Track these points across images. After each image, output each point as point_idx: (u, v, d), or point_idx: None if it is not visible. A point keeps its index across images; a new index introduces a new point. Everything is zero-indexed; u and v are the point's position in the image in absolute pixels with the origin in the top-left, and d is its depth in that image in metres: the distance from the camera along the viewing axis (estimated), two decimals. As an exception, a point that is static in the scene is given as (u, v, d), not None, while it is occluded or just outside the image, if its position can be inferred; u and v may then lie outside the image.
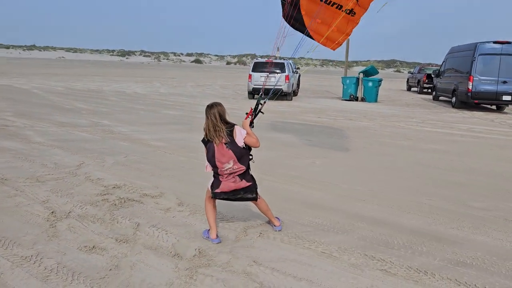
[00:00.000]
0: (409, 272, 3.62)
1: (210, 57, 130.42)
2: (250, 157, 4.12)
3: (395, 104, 20.05)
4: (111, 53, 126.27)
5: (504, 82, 16.64)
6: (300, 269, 3.60)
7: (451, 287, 3.40)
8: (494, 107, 18.52)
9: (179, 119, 12.72)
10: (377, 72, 21.07)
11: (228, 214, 4.83)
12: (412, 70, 34.13)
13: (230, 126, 3.97)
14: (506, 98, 16.84)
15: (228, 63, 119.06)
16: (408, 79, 32.37)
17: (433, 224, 4.73)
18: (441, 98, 22.11)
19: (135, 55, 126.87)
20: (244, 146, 4.02)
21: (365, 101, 20.04)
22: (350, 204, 5.32)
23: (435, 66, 29.13)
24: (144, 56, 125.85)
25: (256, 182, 4.22)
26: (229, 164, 3.96)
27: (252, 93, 19.36)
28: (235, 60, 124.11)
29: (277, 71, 18.90)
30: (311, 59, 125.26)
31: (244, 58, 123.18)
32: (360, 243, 4.17)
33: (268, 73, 18.73)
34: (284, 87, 18.83)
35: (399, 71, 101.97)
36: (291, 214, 4.91)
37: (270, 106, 16.55)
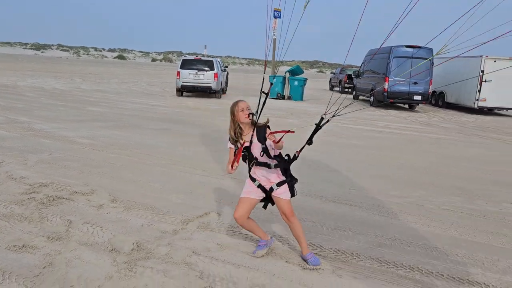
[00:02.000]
0: (337, 254, 3.94)
1: (134, 53, 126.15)
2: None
3: (320, 102, 20.99)
4: (24, 46, 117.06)
5: (415, 83, 18.19)
6: (238, 257, 3.76)
7: (373, 266, 3.76)
8: (406, 106, 20.15)
9: (106, 116, 12.27)
10: (303, 72, 21.92)
11: (164, 209, 4.85)
12: (334, 70, 35.84)
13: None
14: (417, 97, 18.42)
15: (153, 59, 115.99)
16: (330, 79, 33.99)
17: (357, 211, 5.14)
18: (360, 97, 23.54)
19: (52, 49, 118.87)
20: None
21: (292, 100, 20.75)
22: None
23: (355, 68, 30.88)
24: (61, 50, 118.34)
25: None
26: None
27: (181, 90, 19.20)
28: (161, 57, 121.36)
29: (206, 68, 18.92)
30: (237, 57, 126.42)
31: (170, 55, 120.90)
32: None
33: (197, 71, 18.70)
34: (213, 85, 18.91)
35: (322, 72, 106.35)
36: (227, 206, 5.04)
37: (199, 103, 16.59)
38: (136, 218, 4.54)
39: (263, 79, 4.05)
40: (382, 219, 4.96)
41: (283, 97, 20.93)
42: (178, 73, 18.91)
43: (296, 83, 20.88)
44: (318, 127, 3.50)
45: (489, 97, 18.61)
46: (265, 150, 3.54)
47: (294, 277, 3.45)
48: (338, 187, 6.10)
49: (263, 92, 3.75)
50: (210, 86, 18.87)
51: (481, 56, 18.34)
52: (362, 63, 23.01)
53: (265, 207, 3.85)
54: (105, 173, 6.20)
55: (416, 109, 20.01)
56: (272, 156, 3.59)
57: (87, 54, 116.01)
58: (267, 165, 3.57)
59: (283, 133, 3.44)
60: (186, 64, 19.09)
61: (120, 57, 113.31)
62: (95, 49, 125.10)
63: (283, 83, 21.06)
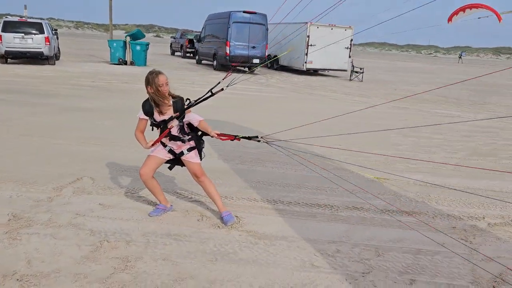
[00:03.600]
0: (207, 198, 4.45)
1: None
2: None
3: (164, 67, 20.84)
4: None
5: (253, 47, 19.55)
6: (125, 212, 3.96)
7: (244, 203, 4.39)
8: (246, 69, 21.57)
9: None
10: (144, 36, 21.33)
11: (30, 180, 4.64)
12: (174, 35, 35.53)
13: None
14: (255, 61, 19.87)
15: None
16: (171, 44, 33.71)
17: (223, 164, 5.72)
18: (203, 61, 24.15)
19: None
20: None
21: (135, 65, 20.15)
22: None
23: (195, 32, 31.20)
24: None
25: None
26: None
27: (5, 56, 16.88)
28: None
29: (34, 32, 16.93)
30: (63, 20, 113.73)
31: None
32: (170, 184, 4.76)
33: (23, 34, 16.62)
34: (45, 50, 17.09)
35: (159, 36, 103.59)
36: (97, 170, 5.06)
37: (31, 71, 14.93)
38: (0, 191, 4.27)
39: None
40: (245, 167, 5.65)
41: (125, 63, 20.16)
42: (0, 37, 16.50)
43: (138, 47, 20.27)
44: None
45: (314, 60, 21.20)
46: (181, 128, 3.72)
47: (178, 222, 3.85)
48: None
49: (211, 91, 3.93)
50: (42, 52, 17.01)
51: (306, 22, 20.63)
52: (203, 28, 23.48)
53: (171, 168, 4.01)
54: None
55: (255, 71, 21.58)
56: (187, 132, 3.77)
57: None
58: (181, 140, 3.76)
59: (230, 139, 3.82)
60: (9, 27, 16.71)
61: None
62: None
63: (124, 48, 20.23)
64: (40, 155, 5.54)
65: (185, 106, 3.73)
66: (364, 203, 4.57)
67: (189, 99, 3.78)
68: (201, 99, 3.84)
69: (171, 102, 3.67)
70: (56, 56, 19.68)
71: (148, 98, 3.66)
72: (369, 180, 5.38)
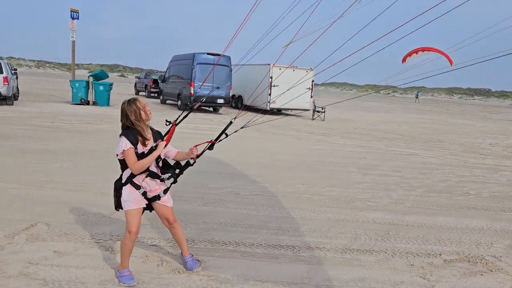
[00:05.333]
0: (173, 242, 4.37)
1: None
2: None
3: (128, 107, 20.73)
4: None
5: (218, 87, 19.84)
6: (80, 259, 3.81)
7: (206, 246, 4.34)
8: (211, 109, 21.76)
9: None
10: (107, 76, 21.21)
11: (-21, 227, 4.41)
12: (139, 75, 35.58)
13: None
14: (220, 101, 20.13)
15: None
16: (135, 84, 33.66)
17: (185, 205, 5.66)
18: (168, 101, 24.19)
19: None
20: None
21: (97, 105, 19.91)
22: (108, 199, 5.66)
23: (160, 72, 31.39)
24: None
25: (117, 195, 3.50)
26: None
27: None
28: None
29: (-8, 71, 16.54)
30: (24, 59, 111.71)
31: None
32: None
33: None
34: (3, 90, 16.66)
35: (123, 76, 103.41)
36: (53, 216, 4.88)
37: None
38: None
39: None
40: (207, 208, 5.61)
41: (87, 103, 19.89)
42: (-46, 76, 15.98)
43: (101, 87, 20.10)
44: (225, 134, 3.72)
45: (277, 100, 21.68)
46: (158, 163, 3.48)
47: (137, 268, 3.74)
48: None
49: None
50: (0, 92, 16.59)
51: (269, 64, 21.25)
52: (167, 68, 23.70)
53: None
54: None
55: (219, 111, 21.79)
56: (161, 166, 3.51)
57: None
58: (160, 178, 3.50)
59: (206, 144, 3.60)
60: (-35, 66, 16.29)
61: None
62: None
63: (87, 88, 20.01)
64: (-8, 201, 5.29)
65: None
66: (325, 243, 4.61)
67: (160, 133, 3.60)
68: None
69: (150, 131, 3.46)
70: (15, 96, 19.17)
71: (127, 130, 3.32)
72: (330, 219, 5.45)
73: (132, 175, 3.39)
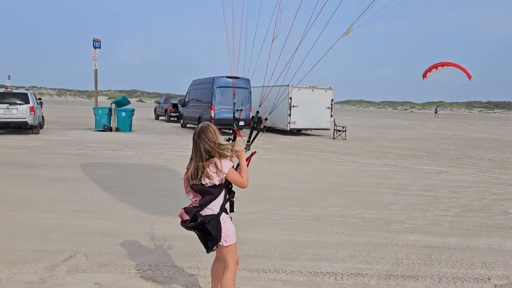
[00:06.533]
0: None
1: None
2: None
3: (150, 132, 21.00)
4: None
5: (241, 110, 19.96)
6: (122, 291, 3.77)
7: (246, 275, 4.25)
8: (231, 131, 21.84)
9: None
10: (129, 102, 21.63)
11: (20, 259, 4.42)
12: (158, 100, 36.13)
13: None
14: (240, 123, 20.20)
15: None
16: (155, 109, 34.16)
17: (218, 231, 5.59)
18: (188, 125, 24.42)
19: None
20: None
21: (120, 131, 20.22)
22: (143, 227, 5.66)
23: (179, 97, 31.81)
24: None
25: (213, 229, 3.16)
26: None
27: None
28: None
29: (19, 102, 17.02)
30: (45, 87, 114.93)
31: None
32: (166, 258, 4.60)
33: (8, 105, 16.67)
34: (30, 120, 17.11)
35: (142, 101, 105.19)
36: (91, 246, 4.88)
37: (15, 141, 14.79)
38: (-9, 274, 4.05)
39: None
40: (241, 234, 5.53)
41: (110, 129, 20.23)
42: (-16, 108, 16.49)
43: (123, 114, 20.47)
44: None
45: (297, 120, 21.70)
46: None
47: (182, 299, 3.68)
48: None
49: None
50: (26, 121, 17.02)
51: (288, 85, 21.33)
52: (187, 92, 24.02)
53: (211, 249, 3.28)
54: None
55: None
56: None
57: None
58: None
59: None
60: (-6, 98, 16.81)
61: None
62: None
63: (110, 115, 20.39)
64: (28, 231, 5.33)
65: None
66: (367, 269, 4.48)
67: None
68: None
69: None
70: (41, 125, 19.66)
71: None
72: (368, 243, 5.31)
73: (225, 203, 3.22)
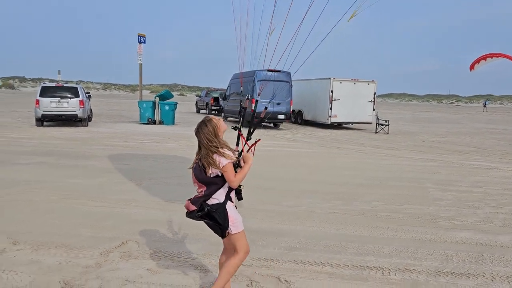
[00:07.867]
0: (259, 261, 4.37)
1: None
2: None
3: (192, 125, 21.37)
4: None
5: (278, 103, 19.96)
6: (173, 279, 3.92)
7: (292, 266, 4.29)
8: (272, 124, 21.91)
9: (-42, 153, 10.72)
10: (172, 96, 22.11)
11: (77, 244, 4.68)
12: (200, 93, 36.68)
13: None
14: (281, 116, 20.22)
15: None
16: (197, 102, 34.71)
17: (262, 223, 5.67)
18: (229, 118, 24.67)
19: None
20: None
21: (163, 124, 20.74)
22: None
23: (220, 90, 32.17)
24: None
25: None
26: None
27: (41, 119, 17.70)
28: (0, 83, 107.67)
29: (70, 96, 17.82)
30: (92, 82, 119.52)
31: (11, 81, 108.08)
32: (214, 247, 4.72)
33: (59, 98, 17.51)
34: (79, 113, 17.89)
35: (183, 95, 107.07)
36: (141, 233, 5.08)
37: (66, 133, 15.52)
38: (50, 257, 4.31)
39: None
40: (285, 227, 5.58)
41: (154, 122, 20.79)
42: (37, 101, 17.39)
43: (167, 107, 20.97)
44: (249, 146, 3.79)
45: (338, 114, 21.43)
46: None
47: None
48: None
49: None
50: (76, 114, 17.81)
51: (329, 78, 21.11)
52: (228, 86, 24.24)
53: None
54: (-10, 216, 5.61)
55: (280, 127, 21.87)
56: None
57: None
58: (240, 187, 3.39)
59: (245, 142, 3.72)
60: (46, 92, 17.66)
61: None
62: None
63: (153, 108, 20.95)
64: (83, 219, 5.61)
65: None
66: (415, 265, 4.40)
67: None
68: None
69: None
70: (89, 118, 20.50)
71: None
72: (416, 239, 5.21)
73: (229, 192, 3.29)
